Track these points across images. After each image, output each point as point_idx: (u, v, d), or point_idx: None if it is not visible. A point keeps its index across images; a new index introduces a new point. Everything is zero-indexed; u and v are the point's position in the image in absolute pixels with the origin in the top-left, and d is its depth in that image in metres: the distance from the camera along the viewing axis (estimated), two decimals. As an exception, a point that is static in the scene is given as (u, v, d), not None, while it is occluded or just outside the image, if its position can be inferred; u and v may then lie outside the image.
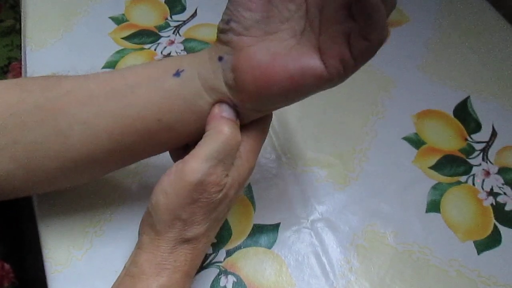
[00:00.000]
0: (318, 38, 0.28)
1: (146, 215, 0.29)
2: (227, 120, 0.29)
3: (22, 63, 0.47)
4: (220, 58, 0.29)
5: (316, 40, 0.28)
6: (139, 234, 0.30)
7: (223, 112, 0.29)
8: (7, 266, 0.56)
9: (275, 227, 0.37)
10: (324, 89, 0.28)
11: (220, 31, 0.29)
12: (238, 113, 0.30)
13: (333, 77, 0.27)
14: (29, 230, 0.40)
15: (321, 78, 0.27)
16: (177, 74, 0.29)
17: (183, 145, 0.32)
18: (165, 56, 0.47)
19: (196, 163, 0.28)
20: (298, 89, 0.28)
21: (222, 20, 0.29)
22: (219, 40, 0.29)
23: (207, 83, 0.29)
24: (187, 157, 0.28)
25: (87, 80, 0.31)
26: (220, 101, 0.29)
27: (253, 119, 0.31)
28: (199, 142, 0.29)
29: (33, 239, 0.38)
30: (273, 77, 0.27)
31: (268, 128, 0.32)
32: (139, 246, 0.29)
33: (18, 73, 1.26)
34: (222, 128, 0.28)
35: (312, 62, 0.27)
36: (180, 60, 0.30)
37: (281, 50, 0.28)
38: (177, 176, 0.28)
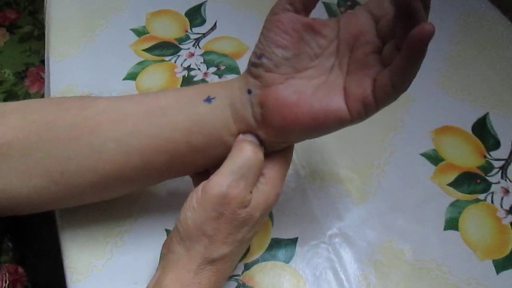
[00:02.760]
0: (345, 77, 0.29)
1: (173, 233, 0.30)
2: (249, 142, 0.30)
3: (45, 73, 0.48)
4: (249, 91, 0.30)
5: (343, 80, 0.29)
6: (161, 255, 0.30)
7: (247, 138, 0.30)
8: (21, 269, 0.56)
9: (293, 242, 0.37)
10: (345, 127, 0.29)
11: (252, 64, 0.30)
12: (261, 142, 0.31)
13: (354, 119, 0.28)
14: (45, 235, 0.40)
15: (343, 120, 0.28)
16: (208, 100, 0.31)
17: (204, 169, 0.33)
18: (185, 69, 0.48)
19: (219, 177, 0.29)
20: (320, 128, 0.29)
21: (254, 53, 0.30)
22: (249, 72, 0.30)
23: (236, 113, 0.30)
24: (212, 175, 0.29)
25: (122, 101, 0.32)
26: (245, 132, 0.31)
27: (276, 149, 0.31)
28: (224, 162, 0.30)
29: (49, 244, 0.38)
30: (298, 117, 0.28)
31: (292, 155, 0.33)
32: (163, 266, 0.30)
33: (35, 79, 1.28)
34: (244, 147, 0.30)
35: (336, 104, 0.28)
36: (212, 87, 0.32)
37: (308, 90, 0.29)
38: (203, 191, 0.29)
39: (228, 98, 0.31)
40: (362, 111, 0.28)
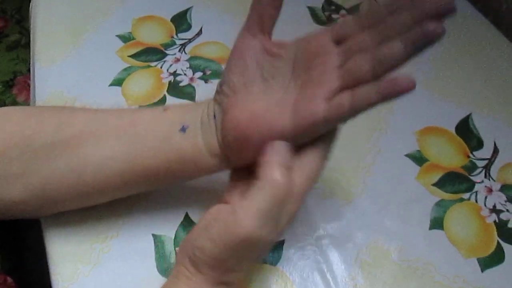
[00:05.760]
0: (297, 95, 0.29)
1: (191, 252, 0.28)
2: (279, 167, 0.27)
3: (31, 80, 0.48)
4: (214, 117, 0.31)
5: (296, 98, 0.29)
6: (176, 261, 0.30)
7: (275, 155, 0.28)
8: (10, 280, 0.56)
9: (280, 244, 0.37)
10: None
11: (216, 91, 0.32)
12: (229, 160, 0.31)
13: (299, 138, 0.28)
14: (34, 245, 0.40)
15: (286, 139, 0.28)
16: (183, 129, 0.32)
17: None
18: (171, 74, 0.48)
19: (247, 219, 0.26)
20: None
21: (219, 81, 0.32)
22: (214, 99, 0.32)
23: (206, 139, 0.31)
24: (238, 207, 0.27)
25: (98, 121, 0.33)
26: (215, 154, 0.31)
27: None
28: (252, 191, 0.27)
29: (38, 253, 0.38)
30: (248, 138, 0.29)
31: (320, 171, 0.30)
32: (176, 276, 0.29)
33: (22, 87, 1.27)
34: (275, 179, 0.27)
35: (280, 123, 0.28)
36: (185, 113, 0.33)
37: (260, 111, 0.29)
38: (227, 227, 0.27)
39: (198, 125, 0.32)
40: (308, 128, 0.28)
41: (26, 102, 1.24)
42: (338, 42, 0.29)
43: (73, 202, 0.34)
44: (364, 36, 0.28)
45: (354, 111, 0.27)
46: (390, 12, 0.27)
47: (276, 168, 0.27)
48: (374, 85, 0.26)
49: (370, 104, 0.26)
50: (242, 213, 0.26)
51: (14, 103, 1.25)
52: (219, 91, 0.31)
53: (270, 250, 0.37)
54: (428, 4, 0.26)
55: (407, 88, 0.25)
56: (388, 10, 0.27)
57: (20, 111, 0.34)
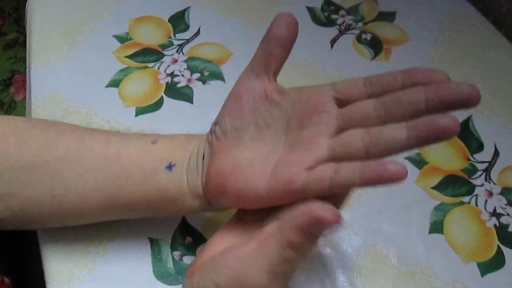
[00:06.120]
0: (282, 157, 0.27)
1: (194, 285, 0.27)
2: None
3: (27, 81, 0.47)
4: (203, 157, 0.30)
5: (279, 159, 0.27)
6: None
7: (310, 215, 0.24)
8: (7, 280, 0.55)
9: (277, 248, 0.37)
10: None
11: (210, 129, 0.31)
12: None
13: (274, 202, 0.26)
14: (31, 245, 0.40)
15: (261, 201, 0.27)
16: (170, 167, 0.31)
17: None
18: (168, 75, 0.47)
19: (258, 275, 0.25)
20: (244, 203, 0.28)
21: (214, 119, 0.31)
22: (207, 137, 0.31)
23: (191, 181, 0.31)
24: (249, 259, 0.25)
25: (83, 147, 0.32)
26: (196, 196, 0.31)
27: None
28: (260, 246, 0.25)
29: (35, 254, 0.38)
30: (226, 189, 0.28)
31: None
32: None
33: (20, 86, 1.26)
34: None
35: (257, 184, 0.27)
36: (174, 150, 0.32)
37: (244, 163, 0.28)
38: (235, 277, 0.25)
39: (185, 164, 0.31)
40: (284, 195, 0.26)
41: (24, 101, 1.24)
42: (341, 101, 0.27)
43: (55, 223, 0.34)
44: (369, 106, 0.26)
45: (333, 189, 0.24)
46: (404, 83, 0.25)
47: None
48: (360, 166, 0.24)
49: (351, 185, 0.24)
50: (252, 268, 0.25)
51: (12, 102, 1.24)
52: (212, 131, 0.30)
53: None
54: (448, 89, 0.23)
55: (396, 178, 0.23)
56: (402, 80, 0.25)
57: (5, 127, 0.32)
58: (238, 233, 0.28)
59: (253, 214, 0.29)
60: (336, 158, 0.25)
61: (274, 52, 0.28)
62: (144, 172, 0.31)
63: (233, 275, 0.25)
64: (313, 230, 0.24)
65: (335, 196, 0.27)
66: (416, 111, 0.24)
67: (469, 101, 0.23)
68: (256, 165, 0.27)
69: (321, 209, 0.23)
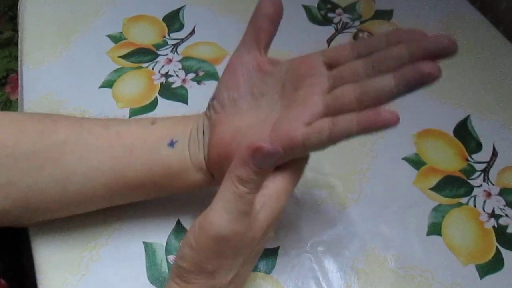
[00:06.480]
0: (280, 115, 0.29)
1: (175, 264, 0.28)
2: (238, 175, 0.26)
3: (19, 81, 0.47)
4: (203, 132, 0.31)
5: (278, 117, 0.29)
6: (169, 278, 0.29)
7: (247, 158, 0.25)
8: (3, 281, 0.55)
9: (274, 251, 0.36)
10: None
11: (207, 105, 0.32)
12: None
13: (276, 159, 0.26)
14: (28, 247, 0.39)
15: (266, 159, 0.26)
16: (172, 144, 0.32)
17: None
18: (163, 75, 0.47)
19: (216, 217, 0.26)
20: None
21: (211, 96, 0.32)
22: (205, 113, 0.32)
23: (194, 155, 0.31)
24: (208, 209, 0.26)
25: (82, 130, 0.32)
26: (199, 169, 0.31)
27: None
28: (219, 191, 0.26)
29: (31, 256, 0.37)
30: (229, 155, 0.29)
31: (303, 170, 0.31)
32: None
33: (16, 85, 1.25)
34: (233, 182, 0.26)
35: (260, 143, 0.26)
36: (175, 127, 0.32)
37: (244, 128, 0.29)
38: (200, 230, 0.26)
39: (187, 140, 0.32)
40: (286, 150, 0.27)
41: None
42: (330, 65, 0.29)
43: (57, 212, 0.33)
44: (357, 64, 0.27)
45: (333, 139, 0.26)
46: (388, 43, 0.27)
47: (234, 177, 0.25)
48: (356, 115, 0.26)
49: (349, 134, 0.26)
50: (211, 212, 0.26)
51: (7, 101, 1.23)
52: (209, 106, 0.31)
53: (263, 254, 0.36)
54: (428, 41, 0.25)
55: (389, 123, 0.25)
56: (386, 41, 0.27)
57: (0, 120, 0.32)
58: None
59: None
60: (331, 112, 0.27)
61: (263, 27, 0.30)
62: (147, 148, 0.32)
63: (198, 229, 0.26)
64: (256, 161, 0.24)
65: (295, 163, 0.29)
66: (401, 64, 0.26)
67: (448, 49, 0.25)
68: (256, 128, 0.29)
69: (261, 142, 0.24)
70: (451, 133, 0.44)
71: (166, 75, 0.47)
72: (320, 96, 0.28)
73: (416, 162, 0.42)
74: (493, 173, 0.41)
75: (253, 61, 0.30)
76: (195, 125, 0.32)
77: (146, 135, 0.32)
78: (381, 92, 0.26)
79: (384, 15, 0.54)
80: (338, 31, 0.52)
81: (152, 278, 0.35)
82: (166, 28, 0.51)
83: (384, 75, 0.26)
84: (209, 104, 0.32)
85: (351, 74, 0.27)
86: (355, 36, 0.51)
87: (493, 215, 0.39)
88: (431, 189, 0.40)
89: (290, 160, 0.29)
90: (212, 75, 0.47)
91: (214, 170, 0.31)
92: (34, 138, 0.31)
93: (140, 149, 0.31)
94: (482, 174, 0.41)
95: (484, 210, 0.39)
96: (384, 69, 0.26)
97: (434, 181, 0.41)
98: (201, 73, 0.47)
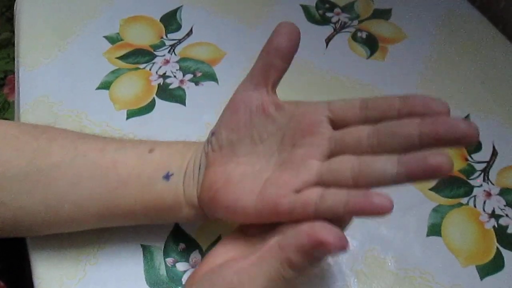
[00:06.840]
0: (272, 176, 0.27)
1: None
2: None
3: (16, 84, 0.46)
4: (199, 167, 0.30)
5: (269, 177, 0.27)
6: None
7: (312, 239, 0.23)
8: (1, 283, 0.55)
9: (273, 253, 0.36)
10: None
11: (207, 139, 0.31)
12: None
13: (260, 220, 0.26)
14: (26, 248, 0.39)
15: (247, 219, 0.27)
16: (167, 176, 0.30)
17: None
18: (160, 76, 0.46)
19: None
20: (234, 218, 0.28)
21: (212, 129, 0.30)
22: (204, 147, 0.31)
23: (187, 190, 0.30)
24: (245, 273, 0.24)
25: (77, 154, 0.31)
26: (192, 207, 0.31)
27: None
28: (257, 260, 0.24)
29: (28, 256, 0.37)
30: (218, 204, 0.28)
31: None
32: None
33: (14, 86, 1.25)
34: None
35: (245, 201, 0.27)
36: (172, 158, 0.31)
37: (236, 178, 0.28)
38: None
39: (182, 174, 0.31)
40: (270, 216, 0.26)
41: (18, 102, 1.23)
42: (335, 123, 0.27)
43: (48, 231, 0.33)
44: (362, 132, 0.25)
45: (318, 215, 0.24)
46: (400, 112, 0.25)
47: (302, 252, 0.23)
48: (346, 196, 0.24)
49: (335, 214, 0.24)
50: (250, 283, 0.24)
51: (5, 102, 1.23)
52: (209, 141, 0.30)
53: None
54: (444, 124, 0.23)
55: (381, 211, 0.23)
56: (399, 109, 0.25)
57: None
58: (240, 245, 0.28)
59: (256, 226, 0.28)
60: (324, 183, 0.25)
61: (273, 63, 0.28)
62: (141, 182, 0.31)
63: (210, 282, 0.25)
64: (318, 254, 0.23)
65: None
66: (409, 145, 0.24)
67: (465, 139, 0.22)
68: (247, 181, 0.27)
69: (325, 232, 0.22)
70: (450, 133, 0.43)
71: (164, 76, 0.46)
72: (316, 161, 0.26)
73: (415, 162, 0.41)
74: (493, 173, 0.41)
75: (258, 100, 0.28)
76: (192, 157, 0.31)
77: (142, 167, 0.31)
78: (380, 177, 0.24)
79: (383, 14, 0.53)
80: (336, 31, 0.52)
81: (150, 281, 0.34)
82: (164, 29, 0.50)
83: (388, 156, 0.24)
84: (208, 137, 0.31)
85: (354, 142, 0.25)
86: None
87: (493, 215, 0.39)
88: (431, 189, 0.40)
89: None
90: (210, 76, 0.46)
91: (205, 210, 0.30)
92: (27, 158, 0.30)
93: (135, 182, 0.31)
94: (482, 174, 0.41)
95: (484, 210, 0.39)
96: (390, 146, 0.24)
97: (433, 181, 0.40)
98: (198, 74, 0.47)
